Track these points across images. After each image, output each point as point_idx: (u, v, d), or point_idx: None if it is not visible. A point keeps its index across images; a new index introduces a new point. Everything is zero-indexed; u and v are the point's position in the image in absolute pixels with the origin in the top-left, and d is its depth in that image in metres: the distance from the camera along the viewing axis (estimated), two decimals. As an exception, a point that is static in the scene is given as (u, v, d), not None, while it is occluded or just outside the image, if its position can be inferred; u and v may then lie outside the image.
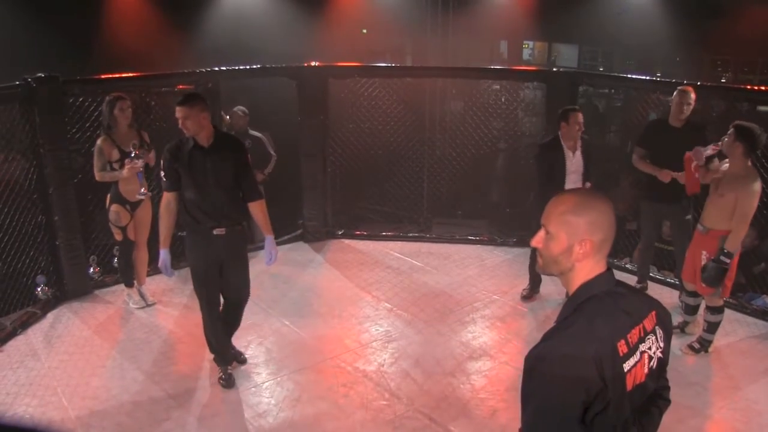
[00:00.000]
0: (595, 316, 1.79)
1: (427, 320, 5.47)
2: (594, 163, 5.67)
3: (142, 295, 5.64)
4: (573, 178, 5.51)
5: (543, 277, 5.82)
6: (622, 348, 1.77)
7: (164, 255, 4.33)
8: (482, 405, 4.35)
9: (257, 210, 4.39)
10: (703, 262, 4.75)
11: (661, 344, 1.93)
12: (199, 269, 4.34)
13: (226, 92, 6.50)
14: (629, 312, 1.85)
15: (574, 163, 5.49)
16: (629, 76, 7.81)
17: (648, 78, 7.22)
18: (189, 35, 9.12)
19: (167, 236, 4.32)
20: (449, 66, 8.94)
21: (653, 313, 1.93)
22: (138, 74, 6.03)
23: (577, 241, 1.82)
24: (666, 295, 5.77)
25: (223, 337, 4.53)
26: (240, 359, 4.77)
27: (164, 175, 4.24)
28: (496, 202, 7.91)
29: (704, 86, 7.06)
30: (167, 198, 4.27)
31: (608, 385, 1.70)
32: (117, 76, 5.78)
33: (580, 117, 5.39)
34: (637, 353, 1.81)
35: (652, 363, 1.88)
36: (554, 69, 8.70)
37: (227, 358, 4.57)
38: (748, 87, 7.20)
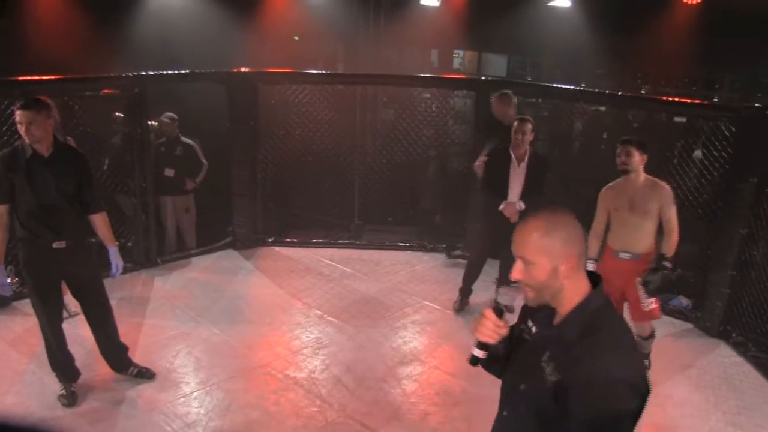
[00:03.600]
0: (620, 329, 1.88)
1: (358, 326, 5.49)
2: (538, 180, 5.57)
3: (64, 306, 5.44)
4: (516, 190, 5.55)
5: (474, 287, 5.91)
6: None
7: None
8: (414, 409, 4.39)
9: (99, 222, 4.24)
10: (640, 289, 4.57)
11: None
12: (38, 285, 4.15)
13: (153, 98, 6.36)
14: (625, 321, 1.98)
15: (518, 173, 5.55)
16: (555, 85, 8.04)
17: (573, 88, 7.47)
18: (114, 39, 8.85)
19: (0, 252, 4.10)
20: (380, 73, 9.01)
21: None
22: (61, 77, 5.83)
23: (561, 260, 1.84)
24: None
25: (66, 352, 4.35)
26: (148, 375, 4.60)
27: None
28: (427, 209, 8.00)
29: (625, 97, 7.38)
30: None
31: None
32: (37, 78, 5.56)
33: (524, 126, 5.45)
34: None
35: None
36: (482, 78, 8.88)
37: (71, 375, 4.39)
38: (665, 98, 7.52)
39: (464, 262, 6.39)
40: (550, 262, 1.84)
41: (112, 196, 6.30)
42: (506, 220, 5.54)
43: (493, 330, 1.99)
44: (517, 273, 1.90)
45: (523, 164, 5.54)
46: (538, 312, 1.99)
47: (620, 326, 1.90)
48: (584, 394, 1.75)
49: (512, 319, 2.08)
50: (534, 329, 2.01)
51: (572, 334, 1.84)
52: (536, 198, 5.52)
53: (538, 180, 5.58)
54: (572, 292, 1.87)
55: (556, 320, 1.93)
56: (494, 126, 6.23)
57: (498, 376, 2.16)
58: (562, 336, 1.87)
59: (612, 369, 1.75)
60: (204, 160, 7.07)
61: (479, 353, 2.03)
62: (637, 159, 4.50)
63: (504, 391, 2.10)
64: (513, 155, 5.56)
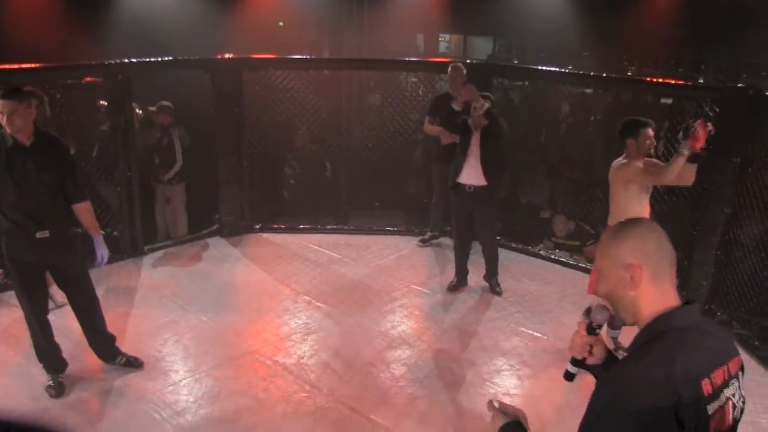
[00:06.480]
0: (675, 348, 1.58)
1: (347, 311, 5.50)
2: (495, 142, 5.58)
3: (51, 297, 5.40)
4: (471, 162, 5.56)
5: (469, 268, 5.95)
6: (707, 387, 1.56)
7: None
8: (402, 393, 4.41)
9: (83, 211, 4.19)
10: None
11: (743, 393, 1.71)
12: (22, 276, 4.13)
13: (139, 85, 6.29)
14: (714, 350, 1.64)
15: (473, 143, 5.55)
16: (540, 68, 8.02)
17: (558, 70, 7.45)
18: (95, 25, 8.76)
19: None
20: (365, 58, 8.96)
21: (738, 357, 1.71)
22: (42, 65, 5.75)
23: (623, 269, 1.67)
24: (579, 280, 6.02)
25: (52, 343, 4.33)
26: (136, 364, 4.58)
27: None
28: (414, 193, 8.00)
29: (610, 78, 7.39)
30: None
31: (687, 426, 1.51)
32: (17, 66, 5.49)
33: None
34: (722, 397, 1.61)
35: (735, 413, 1.66)
36: (467, 60, 8.86)
37: (58, 366, 4.37)
38: (649, 79, 7.53)
39: (436, 242, 6.86)
40: (615, 272, 1.69)
41: (95, 185, 6.24)
42: (471, 197, 5.59)
43: (581, 346, 1.89)
44: (593, 285, 1.79)
45: (477, 133, 5.53)
46: None
47: (684, 347, 1.59)
48: (597, 405, 1.60)
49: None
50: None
51: (632, 348, 1.69)
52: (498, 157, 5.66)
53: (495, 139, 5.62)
54: (648, 308, 1.66)
55: None
56: (443, 102, 6.33)
57: None
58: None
59: (627, 379, 1.56)
60: (179, 158, 6.96)
61: (571, 369, 1.94)
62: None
63: None
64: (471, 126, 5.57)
